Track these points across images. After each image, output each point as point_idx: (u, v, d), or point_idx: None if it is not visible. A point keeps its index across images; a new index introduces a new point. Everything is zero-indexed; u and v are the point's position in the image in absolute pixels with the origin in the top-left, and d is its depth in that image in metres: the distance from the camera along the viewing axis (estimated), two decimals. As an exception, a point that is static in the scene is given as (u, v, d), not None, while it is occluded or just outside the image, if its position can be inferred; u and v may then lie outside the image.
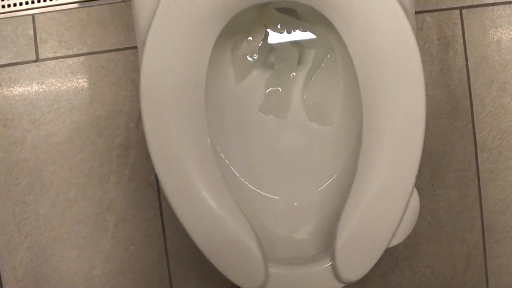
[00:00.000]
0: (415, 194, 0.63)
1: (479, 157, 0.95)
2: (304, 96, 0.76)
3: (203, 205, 0.61)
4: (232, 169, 0.72)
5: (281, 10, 0.75)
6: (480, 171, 0.95)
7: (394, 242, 0.61)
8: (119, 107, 0.99)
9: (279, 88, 0.76)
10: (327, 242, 0.66)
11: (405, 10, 0.60)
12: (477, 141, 0.95)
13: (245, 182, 0.73)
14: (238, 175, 0.72)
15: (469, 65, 0.95)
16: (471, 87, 0.95)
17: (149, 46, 0.59)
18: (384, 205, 0.60)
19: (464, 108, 0.95)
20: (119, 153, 0.98)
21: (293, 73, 0.76)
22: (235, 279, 0.60)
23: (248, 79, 0.77)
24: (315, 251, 0.67)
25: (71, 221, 0.98)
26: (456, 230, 0.95)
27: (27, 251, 0.99)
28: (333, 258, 0.60)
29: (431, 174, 0.95)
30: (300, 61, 0.76)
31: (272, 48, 0.76)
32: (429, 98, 0.95)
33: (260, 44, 0.76)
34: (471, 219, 0.95)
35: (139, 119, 0.98)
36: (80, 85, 0.99)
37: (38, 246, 0.99)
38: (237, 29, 0.74)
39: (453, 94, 0.95)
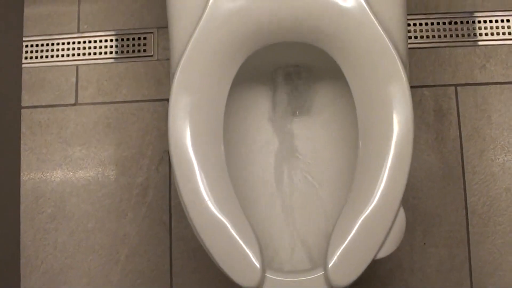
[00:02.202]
0: (401, 212, 0.78)
1: (469, 220, 1.11)
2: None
3: (211, 211, 0.77)
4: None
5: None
6: (470, 234, 1.10)
7: (381, 255, 0.77)
8: (144, 150, 1.18)
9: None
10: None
11: (400, 56, 0.79)
12: (468, 206, 1.11)
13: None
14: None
15: (462, 136, 1.14)
16: (464, 156, 1.13)
17: (177, 79, 0.79)
18: (373, 222, 0.76)
19: (457, 174, 1.12)
20: (138, 192, 1.17)
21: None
22: (234, 277, 0.75)
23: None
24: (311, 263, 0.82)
25: (86, 250, 1.15)
26: (447, 290, 1.09)
27: (42, 276, 1.15)
28: (325, 268, 0.75)
29: (424, 233, 1.10)
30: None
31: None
32: (424, 162, 1.13)
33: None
34: (460, 278, 1.09)
35: (160, 162, 1.17)
36: (111, 129, 1.20)
37: (52, 271, 1.15)
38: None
39: (447, 161, 1.13)
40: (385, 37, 0.79)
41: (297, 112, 0.98)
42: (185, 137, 0.77)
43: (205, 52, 0.79)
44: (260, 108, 0.98)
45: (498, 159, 1.13)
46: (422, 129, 1.15)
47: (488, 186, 1.12)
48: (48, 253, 1.16)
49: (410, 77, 1.15)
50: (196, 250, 1.13)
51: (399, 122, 0.79)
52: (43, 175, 1.19)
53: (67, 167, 1.19)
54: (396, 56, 0.79)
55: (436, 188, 1.13)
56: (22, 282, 1.14)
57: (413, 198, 1.12)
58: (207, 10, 0.79)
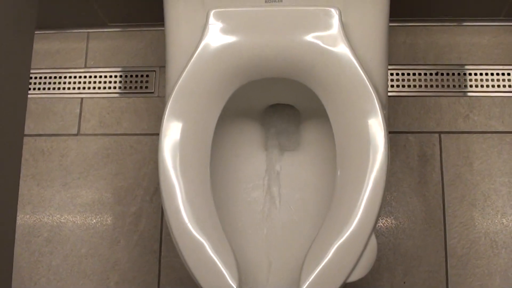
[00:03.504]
0: (373, 239, 0.88)
1: (448, 262, 1.20)
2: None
3: (190, 231, 0.87)
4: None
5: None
6: (449, 275, 1.19)
7: (352, 279, 0.86)
8: (139, 181, 1.30)
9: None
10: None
11: (378, 94, 0.90)
12: (448, 248, 1.20)
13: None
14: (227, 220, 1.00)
15: (444, 181, 1.24)
16: (445, 200, 1.23)
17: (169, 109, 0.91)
18: (346, 249, 0.86)
19: (438, 217, 1.22)
20: (132, 221, 1.27)
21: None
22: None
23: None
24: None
25: (78, 275, 1.25)
26: (426, 330, 1.17)
27: (34, 298, 1.24)
28: None
29: (404, 273, 1.20)
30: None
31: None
32: (407, 204, 1.23)
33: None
34: (438, 318, 1.17)
35: (154, 193, 1.28)
36: (109, 159, 1.31)
37: (44, 293, 1.24)
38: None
39: (429, 204, 1.23)
40: (364, 76, 0.91)
41: (285, 148, 1.09)
42: (173, 160, 0.88)
43: (196, 84, 0.91)
44: (250, 143, 1.10)
45: (479, 204, 1.23)
46: (406, 173, 1.26)
47: (468, 230, 1.22)
48: (41, 276, 1.26)
49: (388, 116, 1.27)
50: (184, 279, 1.23)
51: (374, 156, 0.89)
52: (42, 200, 1.30)
53: (66, 194, 1.31)
54: (373, 94, 0.91)
55: (417, 230, 1.22)
56: (14, 303, 1.24)
57: (394, 239, 1.22)
58: (199, 48, 0.92)
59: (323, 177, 1.06)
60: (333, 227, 0.88)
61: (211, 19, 0.95)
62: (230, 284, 0.85)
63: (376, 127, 0.91)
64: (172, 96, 0.92)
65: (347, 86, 0.93)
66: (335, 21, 0.93)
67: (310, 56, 0.93)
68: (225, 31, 0.94)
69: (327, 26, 0.94)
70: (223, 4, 0.97)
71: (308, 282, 0.85)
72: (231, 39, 0.94)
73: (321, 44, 0.93)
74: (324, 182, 1.06)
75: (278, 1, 0.98)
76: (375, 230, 0.89)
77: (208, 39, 0.94)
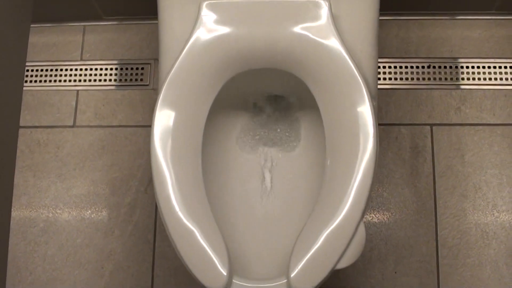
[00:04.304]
0: (362, 226, 0.89)
1: (439, 252, 1.21)
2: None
3: (180, 219, 0.89)
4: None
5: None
6: (440, 265, 1.21)
7: (341, 265, 0.88)
8: (134, 172, 1.31)
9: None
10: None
11: (367, 84, 0.92)
12: (439, 238, 1.22)
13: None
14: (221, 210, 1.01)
15: (436, 172, 1.26)
16: (436, 191, 1.25)
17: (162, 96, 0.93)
18: (336, 236, 0.87)
19: (429, 208, 1.24)
20: (126, 211, 1.29)
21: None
22: (203, 281, 0.87)
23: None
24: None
25: (73, 264, 1.26)
26: (417, 320, 1.19)
27: (29, 286, 1.26)
28: (288, 276, 0.86)
29: (395, 262, 1.21)
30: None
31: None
32: (398, 195, 1.25)
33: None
34: (429, 307, 1.19)
35: (148, 184, 1.30)
36: (105, 151, 1.33)
37: (39, 282, 1.26)
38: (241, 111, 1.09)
39: (420, 195, 1.25)
40: (353, 67, 0.93)
41: (278, 139, 1.11)
42: (165, 150, 0.90)
43: (188, 74, 0.93)
44: (243, 134, 1.12)
45: (469, 195, 1.24)
46: (398, 164, 1.27)
47: (459, 221, 1.23)
48: (37, 265, 1.28)
49: (380, 108, 1.28)
50: (177, 268, 1.24)
51: (363, 145, 0.91)
52: (38, 191, 1.32)
53: (61, 185, 1.32)
54: (362, 85, 0.92)
55: (409, 220, 1.24)
56: (10, 292, 1.26)
57: (386, 229, 1.23)
58: (191, 39, 0.94)
59: (315, 168, 1.08)
60: (322, 216, 0.89)
61: (204, 11, 0.96)
62: (221, 272, 0.87)
63: (365, 117, 0.92)
64: (165, 86, 0.93)
65: (336, 77, 0.94)
66: (325, 13, 0.95)
67: (300, 48, 0.95)
68: (217, 22, 0.96)
69: (317, 18, 0.95)
70: (215, -5, 0.99)
71: (297, 269, 0.87)
72: (222, 30, 0.95)
73: (311, 36, 0.94)
74: (316, 174, 1.08)
75: (270, -7, 1.00)
76: (364, 218, 0.91)
77: (200, 31, 0.95)
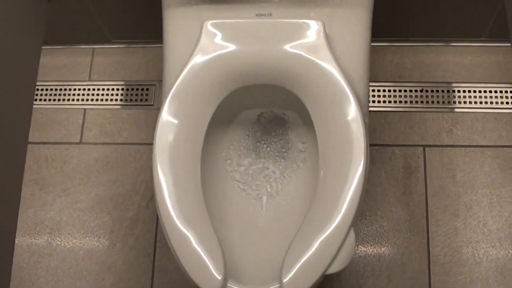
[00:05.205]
0: (352, 233, 0.93)
1: (431, 269, 1.24)
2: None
3: (177, 225, 0.93)
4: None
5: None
6: (432, 282, 1.24)
7: (331, 271, 0.91)
8: (137, 188, 1.36)
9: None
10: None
11: (359, 101, 0.97)
12: (431, 255, 1.25)
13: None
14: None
15: (428, 192, 1.30)
16: (429, 210, 1.29)
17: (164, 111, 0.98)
18: (326, 244, 0.91)
19: (421, 226, 1.28)
20: (128, 225, 1.33)
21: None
22: (199, 284, 0.90)
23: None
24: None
25: (75, 276, 1.30)
26: (409, 335, 1.21)
27: (32, 297, 1.29)
28: (280, 280, 0.90)
29: (388, 279, 1.24)
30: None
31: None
32: (391, 214, 1.29)
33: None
34: (420, 323, 1.21)
35: (150, 199, 1.34)
36: (109, 167, 1.38)
37: (42, 293, 1.29)
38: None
39: (413, 213, 1.28)
40: (346, 85, 0.98)
41: (276, 152, 1.15)
42: (165, 159, 0.95)
43: (189, 88, 0.99)
44: (243, 147, 1.17)
45: (461, 214, 1.28)
46: (391, 184, 1.31)
47: (450, 239, 1.27)
48: (40, 276, 1.31)
49: (375, 129, 1.33)
50: (176, 282, 1.28)
51: (354, 159, 0.96)
52: (43, 204, 1.37)
53: (66, 199, 1.37)
54: (354, 101, 0.97)
55: (401, 238, 1.27)
56: (13, 301, 1.29)
57: (379, 246, 1.27)
58: (193, 55, 1.00)
59: (310, 179, 1.12)
60: (315, 223, 0.93)
61: (205, 30, 1.02)
62: (215, 276, 0.91)
63: (357, 131, 0.97)
64: (167, 99, 0.99)
65: (330, 93, 1.00)
66: (320, 32, 1.01)
67: (295, 65, 1.01)
68: (217, 40, 1.02)
69: (312, 37, 1.01)
70: (217, 16, 1.05)
71: (290, 274, 0.91)
72: (222, 47, 1.01)
73: (305, 54, 1.00)
74: (311, 184, 1.12)
75: (268, 15, 1.06)
76: (354, 226, 0.95)
77: (202, 48, 1.01)
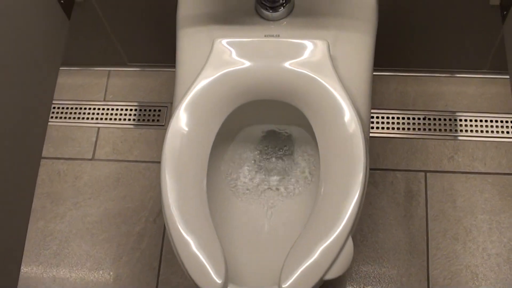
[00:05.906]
0: (350, 241, 0.96)
1: (430, 291, 1.26)
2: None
3: (179, 230, 0.97)
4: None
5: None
6: (430, 304, 1.25)
7: (329, 277, 0.94)
8: (145, 204, 1.40)
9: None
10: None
11: (361, 120, 1.02)
12: (430, 278, 1.27)
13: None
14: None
15: (429, 216, 1.33)
16: (429, 233, 1.31)
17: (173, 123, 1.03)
18: (325, 252, 0.94)
19: (421, 249, 1.30)
20: (135, 239, 1.37)
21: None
22: (200, 285, 0.94)
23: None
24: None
25: (81, 287, 1.33)
26: None
27: (38, 306, 1.32)
28: (279, 285, 0.93)
29: (388, 299, 1.26)
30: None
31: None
32: (392, 236, 1.31)
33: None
34: None
35: (158, 215, 1.38)
36: (119, 183, 1.43)
37: (48, 303, 1.32)
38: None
39: (413, 236, 1.31)
40: (349, 102, 1.02)
41: (280, 166, 1.19)
42: (173, 167, 0.99)
43: (198, 101, 1.04)
44: (248, 160, 1.21)
45: (461, 238, 1.30)
46: (393, 207, 1.34)
47: (450, 262, 1.29)
48: (46, 286, 1.34)
49: (375, 152, 1.37)
50: (179, 295, 1.30)
51: (355, 171, 0.99)
52: (54, 217, 1.41)
53: (76, 212, 1.41)
54: (356, 119, 1.02)
55: (401, 260, 1.30)
56: (19, 310, 1.32)
57: (380, 267, 1.29)
58: (203, 70, 1.06)
59: (312, 193, 1.16)
60: (316, 231, 0.97)
61: (216, 47, 1.08)
62: (214, 279, 0.94)
63: (357, 148, 1.01)
64: (179, 110, 1.04)
65: (331, 109, 1.04)
66: (324, 52, 1.06)
67: (300, 83, 1.06)
68: (226, 57, 1.07)
69: (317, 57, 1.06)
70: (228, 36, 1.11)
71: (288, 279, 0.94)
72: (231, 64, 1.07)
73: (309, 72, 1.05)
74: (313, 194, 1.16)
75: (276, 36, 1.12)
76: (352, 234, 0.98)
77: (212, 63, 1.07)
